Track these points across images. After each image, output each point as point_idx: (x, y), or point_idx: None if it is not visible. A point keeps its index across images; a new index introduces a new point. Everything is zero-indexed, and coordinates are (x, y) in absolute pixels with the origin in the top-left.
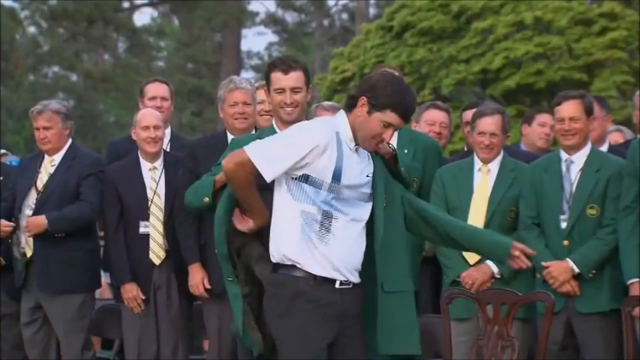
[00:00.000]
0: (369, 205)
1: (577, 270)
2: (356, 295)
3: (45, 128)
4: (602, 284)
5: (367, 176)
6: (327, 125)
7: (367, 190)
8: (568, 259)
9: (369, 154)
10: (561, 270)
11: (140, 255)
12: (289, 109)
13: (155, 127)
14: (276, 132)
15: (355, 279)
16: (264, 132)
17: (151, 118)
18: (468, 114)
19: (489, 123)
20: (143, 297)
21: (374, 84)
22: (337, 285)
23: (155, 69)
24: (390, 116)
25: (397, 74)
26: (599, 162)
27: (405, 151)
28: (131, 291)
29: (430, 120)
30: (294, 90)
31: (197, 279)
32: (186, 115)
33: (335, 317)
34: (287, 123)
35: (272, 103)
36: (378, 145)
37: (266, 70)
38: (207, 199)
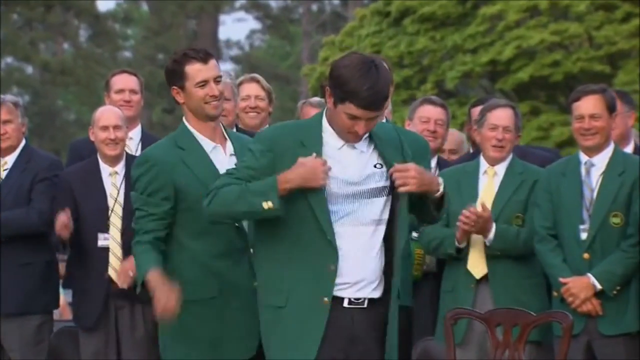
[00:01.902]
0: (380, 201)
1: (599, 287)
2: (370, 315)
3: (6, 122)
4: (627, 302)
5: (376, 166)
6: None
7: (376, 183)
8: (589, 274)
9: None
10: (581, 287)
11: (98, 272)
12: (215, 102)
13: (116, 127)
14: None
15: (369, 293)
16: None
17: (111, 116)
18: (478, 111)
19: (502, 116)
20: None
21: (331, 71)
22: (345, 304)
23: (121, 60)
24: (350, 107)
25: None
26: (622, 164)
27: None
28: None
29: (424, 117)
30: (217, 80)
31: (129, 265)
32: (157, 113)
33: (345, 340)
34: (213, 118)
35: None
36: (357, 138)
37: (172, 66)
38: (270, 204)
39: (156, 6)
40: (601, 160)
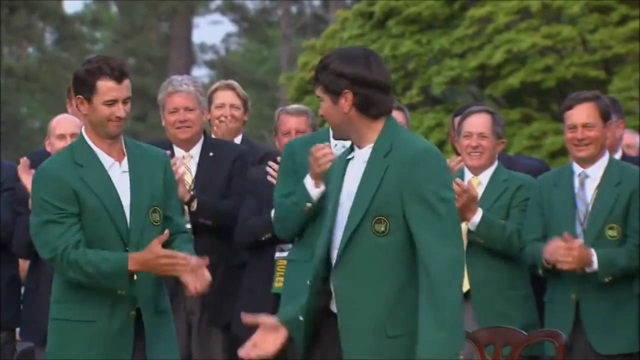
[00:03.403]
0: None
1: (595, 267)
2: None
3: None
4: (625, 320)
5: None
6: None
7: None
8: (593, 251)
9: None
10: (580, 256)
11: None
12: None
13: (73, 136)
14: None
15: None
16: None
17: (68, 125)
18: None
19: (476, 123)
20: None
21: None
22: None
23: None
24: None
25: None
26: (619, 174)
27: None
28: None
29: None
30: (125, 101)
31: None
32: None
33: None
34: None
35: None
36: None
37: (84, 76)
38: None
39: (126, 7)
40: (596, 171)
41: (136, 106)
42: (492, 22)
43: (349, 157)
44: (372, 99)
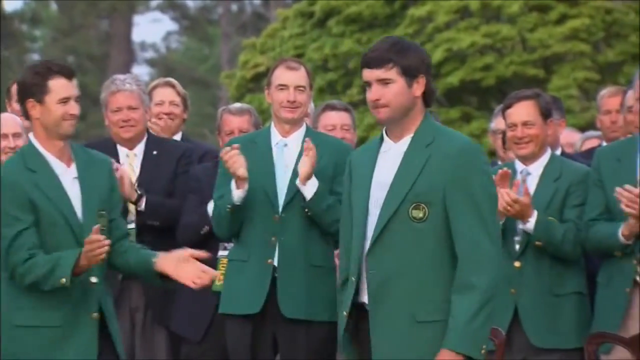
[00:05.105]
0: None
1: (531, 225)
2: None
3: None
4: (563, 316)
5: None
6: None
7: None
8: (536, 211)
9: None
10: (522, 209)
11: None
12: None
13: (15, 135)
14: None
15: None
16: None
17: (9, 124)
18: None
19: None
20: None
21: None
22: None
23: (28, 63)
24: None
25: None
26: (559, 170)
27: None
28: None
29: (329, 125)
30: (77, 99)
31: None
32: None
33: None
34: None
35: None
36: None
37: (33, 79)
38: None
39: (66, 5)
40: (538, 168)
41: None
42: (432, 21)
43: (381, 150)
44: (433, 89)
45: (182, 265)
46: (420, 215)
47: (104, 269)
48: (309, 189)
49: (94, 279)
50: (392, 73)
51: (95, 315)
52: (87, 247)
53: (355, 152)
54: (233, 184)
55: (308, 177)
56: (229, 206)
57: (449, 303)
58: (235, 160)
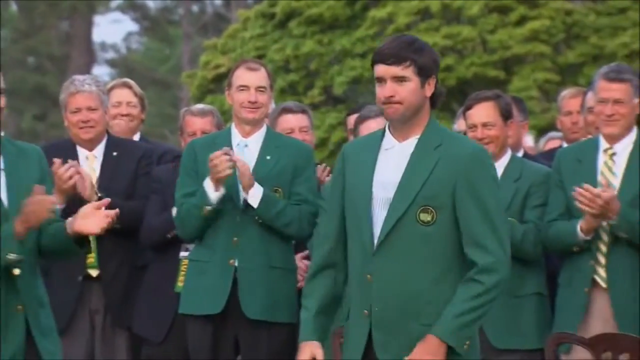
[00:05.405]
0: None
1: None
2: None
3: None
4: (522, 317)
5: None
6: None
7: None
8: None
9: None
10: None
11: None
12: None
13: None
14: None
15: None
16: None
17: None
18: (352, 119)
19: (373, 127)
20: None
21: None
22: None
23: None
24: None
25: None
26: (519, 170)
27: (268, 158)
28: None
29: (287, 129)
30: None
31: None
32: (27, 119)
33: None
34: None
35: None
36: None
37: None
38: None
39: (26, 6)
40: (498, 169)
41: (36, 105)
42: (393, 23)
43: (383, 147)
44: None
45: (87, 218)
46: (428, 218)
47: (32, 262)
48: (253, 199)
49: (16, 271)
50: (408, 71)
51: (20, 307)
52: (31, 206)
53: (350, 146)
54: (209, 186)
55: (249, 187)
56: (208, 208)
57: None
58: (225, 165)
